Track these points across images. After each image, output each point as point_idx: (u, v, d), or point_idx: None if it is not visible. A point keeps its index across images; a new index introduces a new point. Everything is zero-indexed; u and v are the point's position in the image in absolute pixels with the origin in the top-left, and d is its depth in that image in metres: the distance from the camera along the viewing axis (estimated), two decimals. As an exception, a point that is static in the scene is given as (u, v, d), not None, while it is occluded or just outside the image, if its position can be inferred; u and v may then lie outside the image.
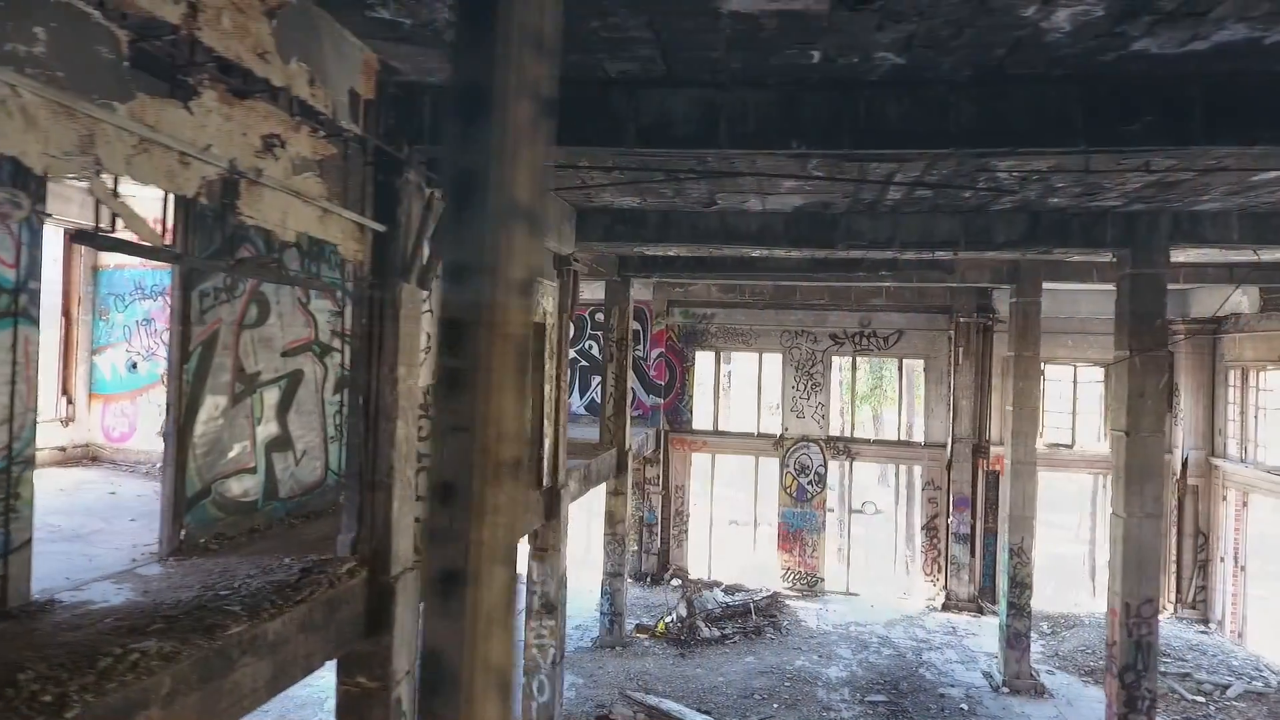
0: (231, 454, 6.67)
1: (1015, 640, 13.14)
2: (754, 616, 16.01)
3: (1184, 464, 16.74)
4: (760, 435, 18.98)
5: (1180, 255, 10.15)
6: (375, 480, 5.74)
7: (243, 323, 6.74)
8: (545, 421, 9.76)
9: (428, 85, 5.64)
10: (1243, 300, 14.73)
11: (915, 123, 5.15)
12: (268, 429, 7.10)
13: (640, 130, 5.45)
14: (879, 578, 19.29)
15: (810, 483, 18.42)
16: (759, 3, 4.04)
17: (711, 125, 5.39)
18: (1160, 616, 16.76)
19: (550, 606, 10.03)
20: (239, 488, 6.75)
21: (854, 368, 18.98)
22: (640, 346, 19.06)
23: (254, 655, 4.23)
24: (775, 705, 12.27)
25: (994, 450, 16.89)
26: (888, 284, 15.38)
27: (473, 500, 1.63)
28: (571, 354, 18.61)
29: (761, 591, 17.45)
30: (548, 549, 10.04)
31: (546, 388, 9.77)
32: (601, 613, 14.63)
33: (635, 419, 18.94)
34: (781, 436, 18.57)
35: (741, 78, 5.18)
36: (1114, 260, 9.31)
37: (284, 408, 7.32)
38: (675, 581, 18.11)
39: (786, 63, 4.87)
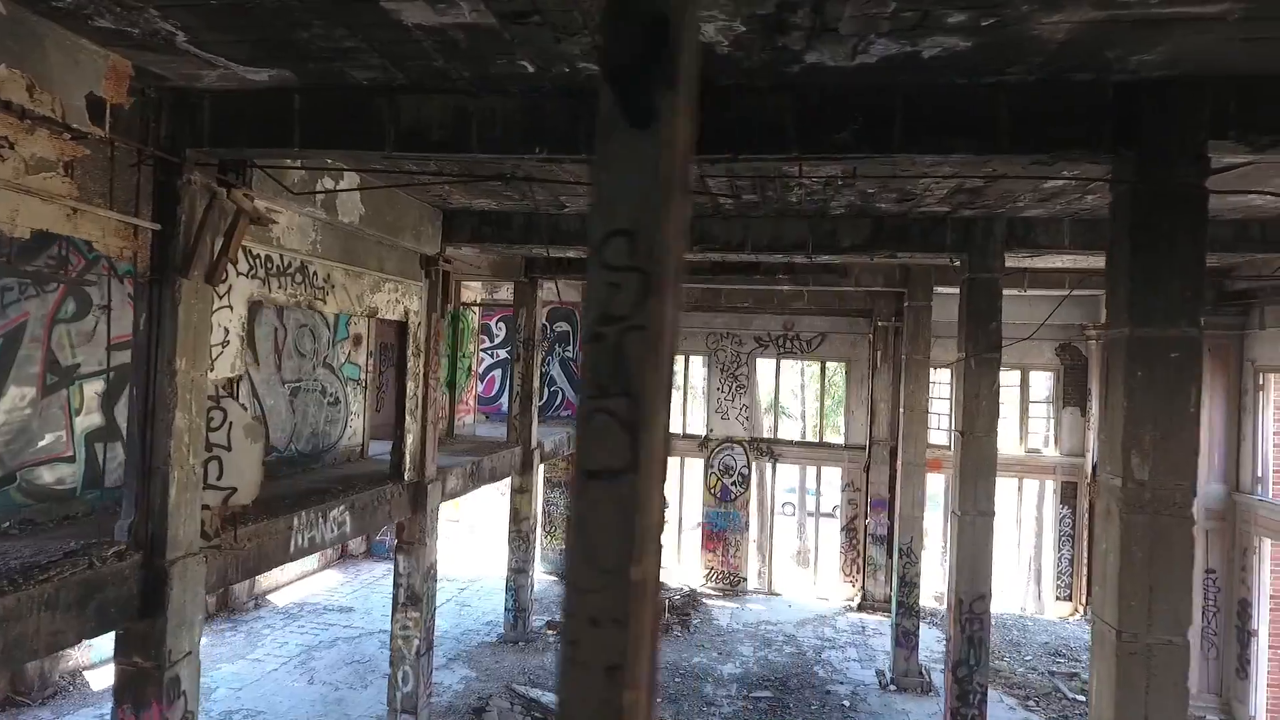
0: (42, 443, 6.92)
1: (904, 639, 13.35)
2: (667, 615, 16.21)
3: (1094, 469, 16.94)
4: (685, 436, 19.20)
5: (1014, 261, 10.37)
6: (152, 468, 5.98)
7: (56, 316, 6.99)
8: (408, 417, 10.01)
9: (207, 90, 5.88)
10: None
11: (646, 130, 5.38)
12: (89, 420, 7.34)
13: (399, 135, 5.70)
14: (803, 578, 19.49)
15: (734, 483, 18.63)
16: (429, 16, 4.29)
17: (464, 131, 5.63)
18: (1072, 618, 16.99)
19: (415, 598, 10.26)
20: (52, 476, 7.00)
21: (778, 371, 19.19)
22: (570, 347, 19.31)
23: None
24: (658, 700, 12.47)
25: (909, 453, 17.08)
26: (809, 288, 15.60)
27: None
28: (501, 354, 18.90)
29: (681, 590, 17.67)
30: (413, 542, 10.28)
31: (410, 384, 10.01)
32: (506, 609, 14.86)
33: (565, 419, 19.21)
34: (706, 438, 18.79)
35: (486, 85, 5.42)
36: (954, 264, 9.54)
37: (112, 399, 7.56)
38: (599, 580, 18.30)
39: (509, 71, 5.11)
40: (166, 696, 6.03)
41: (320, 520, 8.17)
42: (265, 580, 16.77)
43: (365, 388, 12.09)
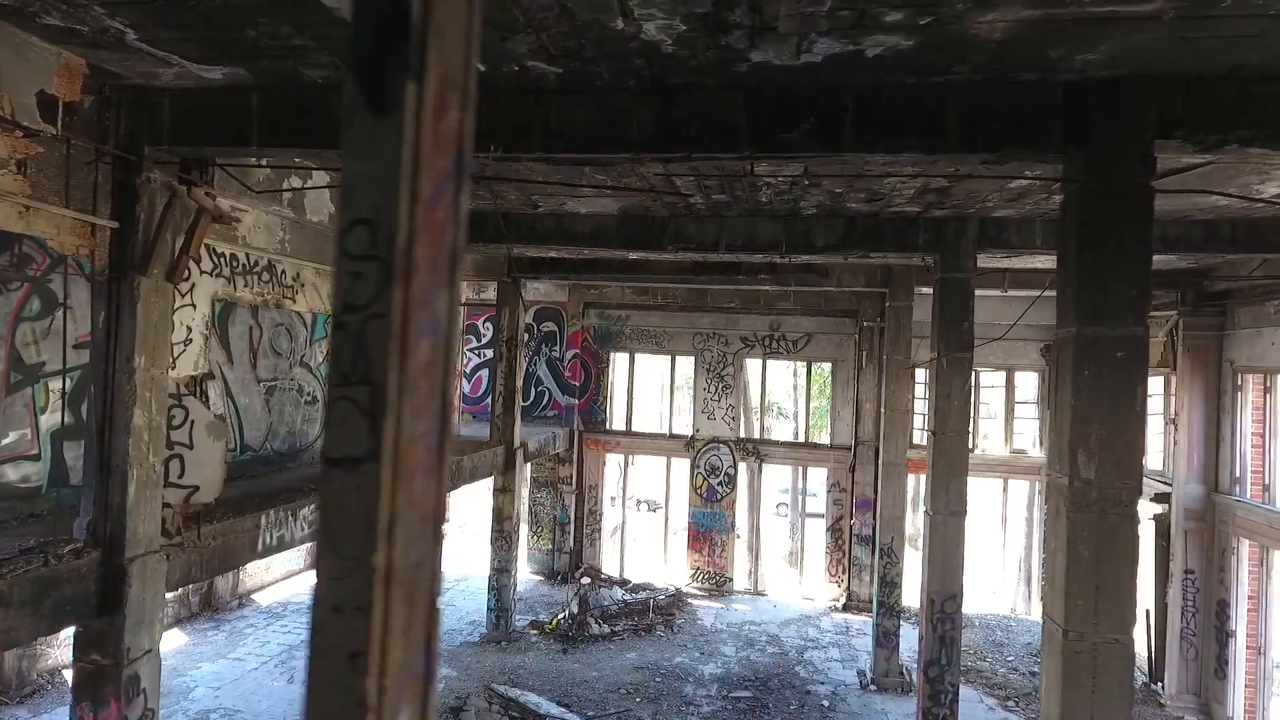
0: (7, 441, 6.92)
1: (885, 639, 13.35)
2: (651, 615, 16.22)
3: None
4: (672, 436, 19.21)
5: (992, 261, 10.39)
6: (111, 466, 5.99)
7: (20, 314, 6.99)
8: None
9: (166, 89, 5.89)
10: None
11: (599, 128, 5.40)
12: (54, 418, 7.34)
13: (356, 133, 5.69)
14: (789, 578, 19.49)
15: (720, 484, 18.64)
16: (371, 14, 4.29)
17: (420, 129, 5.63)
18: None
19: (391, 598, 10.24)
20: (16, 474, 6.99)
21: (764, 371, 19.19)
22: (556, 347, 19.33)
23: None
24: (638, 699, 12.48)
25: (893, 453, 17.09)
26: (790, 288, 15.59)
27: None
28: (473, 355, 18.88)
29: (666, 590, 17.67)
30: (389, 541, 10.25)
31: (384, 383, 10.00)
32: (488, 608, 14.86)
33: (551, 419, 19.22)
34: (693, 438, 18.80)
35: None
36: (928, 265, 9.55)
37: (79, 398, 7.56)
38: (586, 580, 18.32)
39: (460, 70, 5.11)
40: (125, 694, 6.04)
41: (290, 518, 8.16)
42: (250, 579, 16.77)
43: (344, 387, 12.07)
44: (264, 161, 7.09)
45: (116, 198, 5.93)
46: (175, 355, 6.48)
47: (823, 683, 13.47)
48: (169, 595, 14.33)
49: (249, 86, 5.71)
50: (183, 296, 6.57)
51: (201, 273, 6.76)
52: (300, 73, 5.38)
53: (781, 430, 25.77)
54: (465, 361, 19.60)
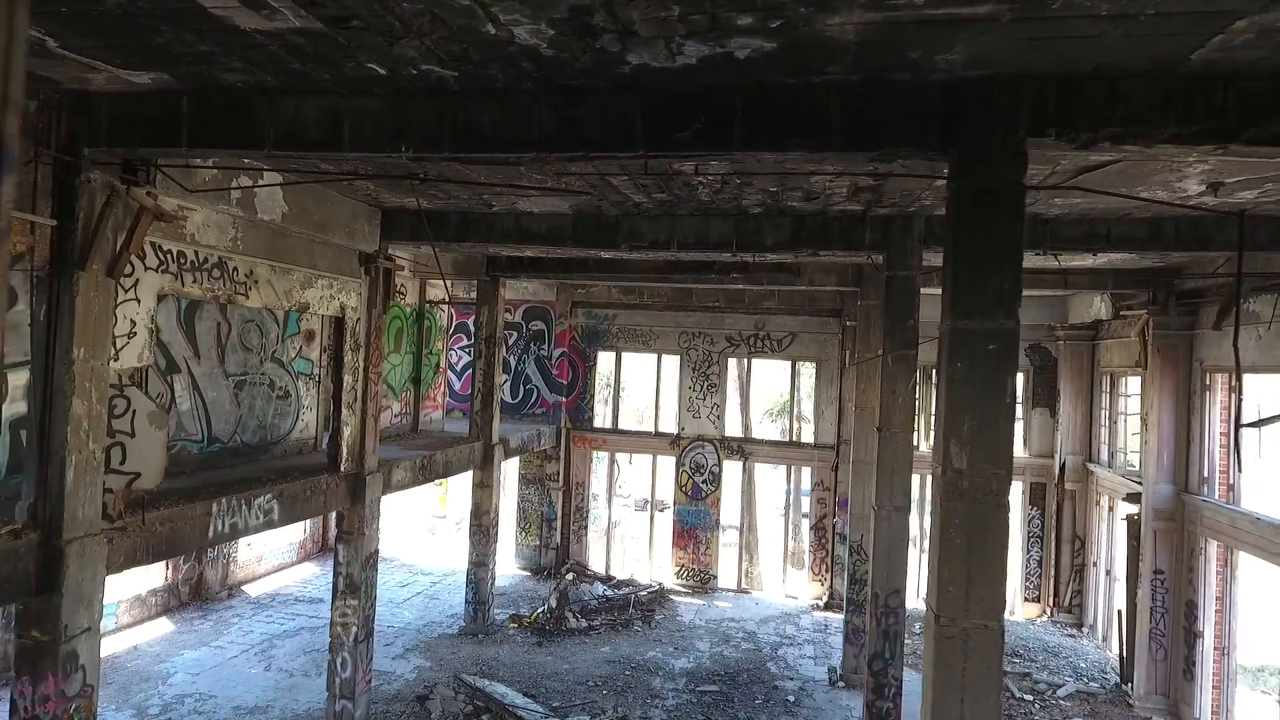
0: (-35, 429, 7.27)
1: (854, 636, 13.41)
2: (630, 610, 16.40)
3: (1061, 469, 16.90)
4: (658, 434, 19.38)
5: (936, 258, 10.43)
6: (50, 452, 6.29)
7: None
8: (345, 410, 10.29)
9: (105, 93, 6.18)
10: (1101, 307, 14.92)
11: (504, 129, 5.61)
12: (15, 407, 7.68)
13: (278, 136, 5.95)
14: (773, 576, 19.57)
15: (705, 481, 18.77)
16: (260, 21, 4.54)
17: (337, 130, 5.88)
18: (1039, 619, 16.95)
19: (354, 586, 10.54)
20: (-26, 461, 7.34)
21: (749, 370, 19.28)
22: (545, 346, 19.57)
23: None
24: (605, 692, 12.67)
25: (874, 452, 17.13)
26: (763, 286, 15.70)
27: None
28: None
29: (649, 587, 17.84)
30: (353, 532, 10.55)
31: (346, 378, 10.30)
32: (466, 601, 15.12)
33: (539, 416, 19.47)
34: (678, 436, 18.95)
35: (353, 87, 5.67)
36: (876, 263, 9.65)
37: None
38: (570, 575, 18.54)
39: (363, 74, 5.35)
40: (63, 669, 6.34)
41: (243, 507, 8.46)
42: (241, 571, 17.18)
43: (319, 382, 12.40)
44: (210, 161, 7.37)
45: (56, 197, 6.24)
46: (118, 348, 6.77)
47: (792, 679, 13.57)
48: (156, 585, 14.71)
49: (178, 90, 5.98)
50: (125, 292, 6.86)
51: (146, 269, 7.05)
52: (218, 77, 5.64)
53: (772, 429, 25.82)
54: (456, 359, 19.91)
